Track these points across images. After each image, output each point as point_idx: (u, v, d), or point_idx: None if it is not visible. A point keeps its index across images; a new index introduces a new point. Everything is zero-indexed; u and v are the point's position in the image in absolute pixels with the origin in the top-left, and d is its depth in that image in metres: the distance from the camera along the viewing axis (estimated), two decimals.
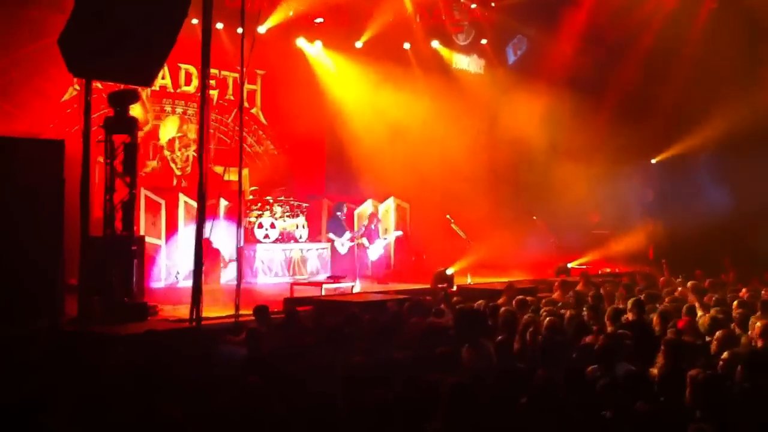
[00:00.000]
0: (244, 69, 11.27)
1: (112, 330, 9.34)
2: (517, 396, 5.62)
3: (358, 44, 18.76)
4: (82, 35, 9.50)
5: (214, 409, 5.49)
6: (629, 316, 8.63)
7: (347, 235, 15.89)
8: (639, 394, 5.81)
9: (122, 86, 10.93)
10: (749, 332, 8.05)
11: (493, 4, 19.63)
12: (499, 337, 7.18)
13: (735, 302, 9.48)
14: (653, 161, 21.47)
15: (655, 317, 8.60)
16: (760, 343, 7.45)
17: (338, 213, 16.53)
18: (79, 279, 10.29)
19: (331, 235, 16.24)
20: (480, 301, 10.09)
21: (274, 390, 5.73)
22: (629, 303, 8.88)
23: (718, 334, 7.54)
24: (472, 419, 5.07)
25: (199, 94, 11.42)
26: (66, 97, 14.72)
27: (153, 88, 15.87)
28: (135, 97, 10.94)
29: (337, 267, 16.51)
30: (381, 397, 5.08)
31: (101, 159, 11.32)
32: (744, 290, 10.90)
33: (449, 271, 14.97)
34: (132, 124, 10.80)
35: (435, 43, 20.19)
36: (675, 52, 19.44)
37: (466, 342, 7.08)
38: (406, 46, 19.70)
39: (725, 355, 6.70)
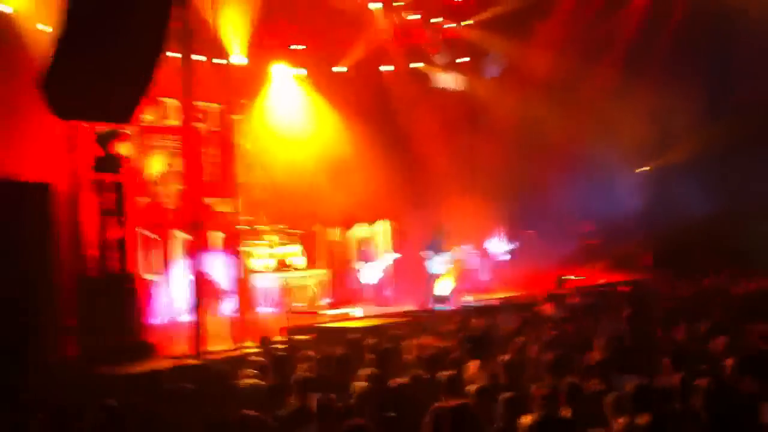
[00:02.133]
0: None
1: (114, 370, 9.28)
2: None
3: (338, 68, 18.82)
4: (62, 75, 9.45)
5: None
6: (627, 326, 8.63)
7: (445, 254, 15.38)
8: (648, 405, 5.77)
9: (107, 125, 10.92)
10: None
11: (465, 22, 19.74)
12: (506, 356, 7.14)
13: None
14: (640, 169, 21.59)
15: (655, 326, 8.61)
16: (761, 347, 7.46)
17: (439, 234, 15.70)
18: (77, 320, 10.23)
19: (430, 252, 15.33)
20: (480, 319, 10.07)
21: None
22: (627, 313, 8.89)
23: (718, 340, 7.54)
24: None
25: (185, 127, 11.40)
26: (52, 137, 14.62)
27: (140, 124, 15.84)
28: (122, 136, 10.93)
29: (337, 293, 16.45)
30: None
31: (93, 198, 11.25)
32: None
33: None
34: (119, 163, 10.79)
35: (414, 64, 20.27)
36: (648, 59, 19.65)
37: (469, 363, 7.04)
38: (385, 68, 19.76)
39: (729, 361, 6.68)
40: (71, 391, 8.42)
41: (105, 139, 10.74)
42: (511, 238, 19.55)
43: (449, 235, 15.53)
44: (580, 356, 7.50)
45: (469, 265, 16.17)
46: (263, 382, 6.91)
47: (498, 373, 6.64)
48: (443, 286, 14.85)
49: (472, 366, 6.96)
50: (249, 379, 6.88)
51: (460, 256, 15.72)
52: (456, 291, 15.08)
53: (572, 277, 16.27)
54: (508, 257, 19.51)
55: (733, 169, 18.90)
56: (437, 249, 14.99)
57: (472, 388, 6.08)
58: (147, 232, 14.62)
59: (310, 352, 8.57)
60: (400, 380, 6.48)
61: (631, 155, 21.15)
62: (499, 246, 19.62)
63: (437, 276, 14.97)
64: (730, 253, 17.93)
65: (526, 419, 5.01)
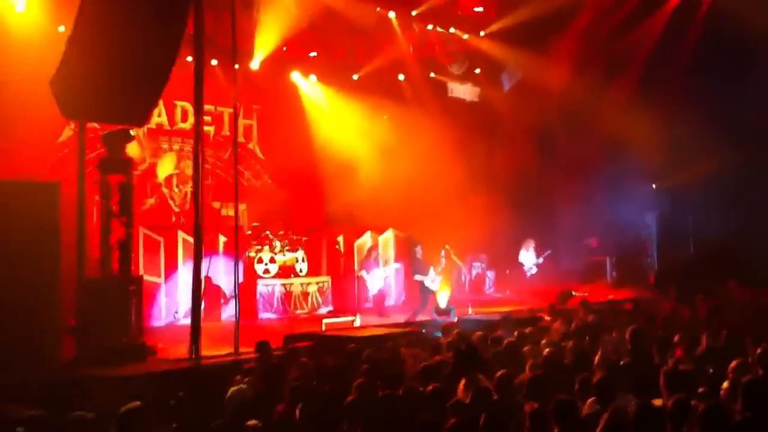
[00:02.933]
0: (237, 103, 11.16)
1: (109, 372, 9.27)
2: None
3: (354, 77, 18.85)
4: (74, 77, 9.51)
5: None
6: (628, 345, 8.56)
7: (432, 271, 15.30)
8: (647, 427, 5.71)
9: (117, 126, 10.95)
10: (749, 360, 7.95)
11: (482, 33, 19.70)
12: (500, 372, 7.08)
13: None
14: (654, 186, 21.46)
15: (654, 346, 8.52)
16: (760, 371, 7.37)
17: (416, 251, 15.37)
18: (76, 320, 10.24)
19: (419, 277, 15.04)
20: (478, 333, 10.00)
21: None
22: (628, 332, 8.80)
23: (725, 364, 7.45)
24: None
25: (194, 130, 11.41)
26: (62, 137, 14.73)
27: (149, 126, 15.93)
28: (129, 137, 10.96)
29: (338, 301, 16.46)
30: None
31: (98, 199, 11.28)
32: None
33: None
34: (127, 164, 10.82)
35: (432, 75, 20.27)
36: (665, 77, 19.56)
37: (462, 377, 6.99)
38: (401, 77, 19.77)
39: (725, 384, 6.62)
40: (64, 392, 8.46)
41: (112, 140, 10.75)
42: (539, 252, 19.54)
43: (428, 254, 15.47)
44: (576, 374, 7.43)
45: (464, 276, 16.05)
46: (251, 389, 6.88)
47: (490, 389, 6.59)
48: (442, 299, 14.80)
49: (463, 381, 6.92)
50: (237, 386, 6.85)
51: (447, 269, 15.65)
52: (455, 303, 15.04)
53: (576, 293, 16.18)
54: (535, 270, 19.51)
55: (747, 192, 18.71)
56: (422, 270, 14.96)
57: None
58: (152, 234, 14.67)
59: (305, 360, 8.54)
60: (388, 392, 6.45)
61: (645, 172, 21.06)
62: (528, 258, 19.61)
63: (432, 291, 14.93)
64: (739, 272, 17.84)
65: None
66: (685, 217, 19.66)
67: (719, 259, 17.70)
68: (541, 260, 19.51)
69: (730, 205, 18.45)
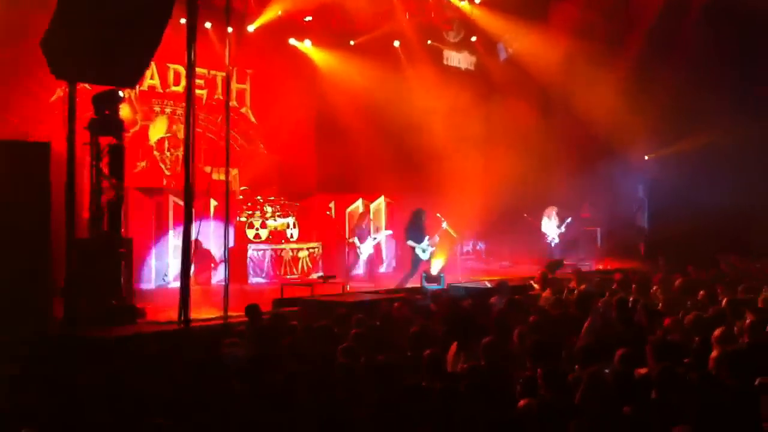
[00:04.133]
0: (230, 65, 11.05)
1: (100, 333, 9.29)
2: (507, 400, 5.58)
3: (351, 42, 18.72)
4: (65, 37, 9.42)
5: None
6: (615, 314, 8.61)
7: (426, 240, 15.24)
8: (627, 395, 5.76)
9: (108, 87, 10.85)
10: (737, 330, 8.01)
11: (478, 0, 19.53)
12: (487, 338, 7.11)
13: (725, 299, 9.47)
14: (646, 157, 21.46)
15: (643, 315, 8.57)
16: (746, 340, 7.43)
17: (418, 219, 15.40)
18: (66, 281, 10.22)
19: (411, 243, 15.18)
20: (468, 300, 10.04)
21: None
22: (616, 301, 8.86)
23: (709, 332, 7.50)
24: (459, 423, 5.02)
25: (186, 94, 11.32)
26: (54, 98, 14.60)
27: (141, 88, 15.82)
28: (120, 99, 10.86)
29: (329, 267, 16.48)
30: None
31: (89, 160, 11.21)
32: (740, 287, 10.86)
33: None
34: (118, 126, 10.74)
35: (429, 42, 20.12)
36: (668, 47, 19.47)
37: (453, 343, 7.02)
38: (396, 43, 19.63)
39: (714, 353, 6.66)
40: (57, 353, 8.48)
41: (103, 102, 10.65)
42: (562, 220, 19.43)
43: (429, 222, 15.45)
44: (564, 342, 7.48)
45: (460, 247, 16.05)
46: (242, 352, 6.90)
47: (478, 356, 6.62)
48: (435, 267, 14.83)
49: (453, 348, 6.95)
50: (229, 348, 6.88)
51: (445, 238, 15.62)
52: (447, 271, 15.07)
53: (567, 263, 16.23)
54: (558, 240, 19.42)
55: (747, 164, 18.69)
56: (417, 238, 14.97)
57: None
58: (143, 197, 14.62)
59: (295, 323, 8.57)
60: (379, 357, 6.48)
61: (644, 142, 21.05)
62: (551, 227, 19.51)
63: (425, 259, 14.96)
64: (734, 244, 17.92)
65: None
66: (678, 188, 19.66)
67: (713, 231, 17.76)
68: (563, 229, 19.33)
69: (725, 176, 18.46)
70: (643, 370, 6.59)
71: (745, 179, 18.39)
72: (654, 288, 11.39)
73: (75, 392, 6.31)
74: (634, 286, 11.14)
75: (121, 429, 5.41)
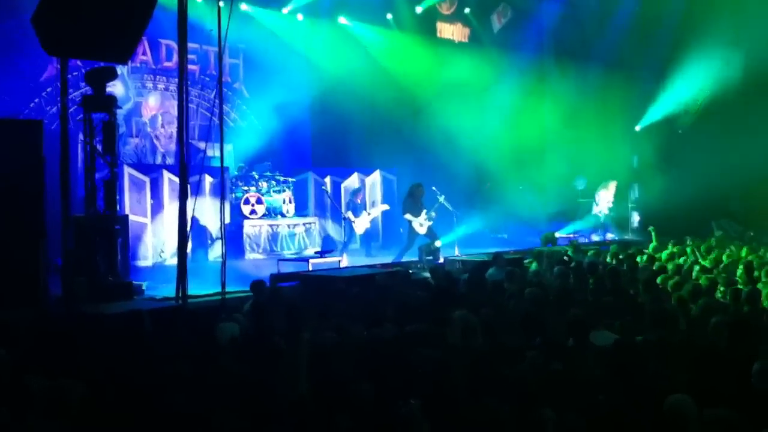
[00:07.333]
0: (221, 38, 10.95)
1: (97, 310, 9.29)
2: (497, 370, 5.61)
3: (343, 16, 18.61)
4: (56, 12, 9.33)
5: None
6: (608, 284, 8.65)
7: (424, 213, 15.14)
8: (624, 363, 5.79)
9: (100, 63, 10.80)
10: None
11: None
12: (483, 310, 7.15)
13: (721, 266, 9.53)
14: (637, 128, 21.45)
15: (639, 285, 8.61)
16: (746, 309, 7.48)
17: (416, 193, 15.29)
18: (62, 259, 10.21)
19: (408, 216, 15.07)
20: (465, 272, 10.06)
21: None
22: (609, 272, 8.90)
23: (701, 301, 7.56)
24: (450, 395, 5.05)
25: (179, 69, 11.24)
26: (45, 75, 14.51)
27: (134, 64, 15.73)
28: (113, 75, 10.78)
29: (325, 242, 16.49)
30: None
31: (82, 138, 11.17)
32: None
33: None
34: (110, 102, 10.66)
35: (419, 10, 19.98)
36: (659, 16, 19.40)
37: (440, 316, 7.04)
38: (389, 15, 19.53)
39: (714, 320, 6.69)
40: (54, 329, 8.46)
41: (95, 78, 10.58)
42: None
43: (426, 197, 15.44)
44: (559, 312, 7.52)
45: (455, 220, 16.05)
46: (238, 327, 6.91)
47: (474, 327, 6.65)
48: (430, 240, 14.84)
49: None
50: (225, 323, 6.89)
51: (442, 210, 15.60)
52: (445, 246, 15.10)
53: (562, 235, 16.27)
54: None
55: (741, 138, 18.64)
56: (414, 211, 14.96)
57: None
58: (138, 174, 14.58)
59: (293, 300, 8.59)
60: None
61: (635, 113, 21.05)
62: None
63: (421, 233, 14.96)
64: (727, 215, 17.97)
65: None
66: (669, 160, 19.67)
67: (708, 200, 17.78)
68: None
69: (720, 146, 18.44)
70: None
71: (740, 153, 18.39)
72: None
73: (74, 368, 6.32)
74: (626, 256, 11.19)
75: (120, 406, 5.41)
